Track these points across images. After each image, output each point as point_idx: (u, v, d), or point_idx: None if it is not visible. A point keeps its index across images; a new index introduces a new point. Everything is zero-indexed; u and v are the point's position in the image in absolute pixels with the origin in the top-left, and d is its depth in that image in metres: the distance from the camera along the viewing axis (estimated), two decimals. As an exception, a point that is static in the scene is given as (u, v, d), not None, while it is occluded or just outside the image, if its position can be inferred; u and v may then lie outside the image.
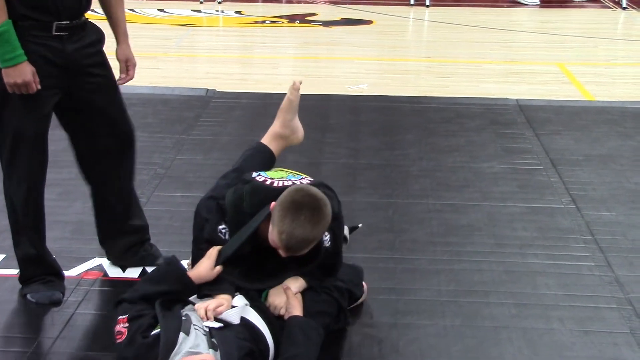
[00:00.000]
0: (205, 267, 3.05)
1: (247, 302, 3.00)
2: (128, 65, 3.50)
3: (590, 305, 3.55)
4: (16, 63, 3.09)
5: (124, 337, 2.80)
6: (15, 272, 3.70)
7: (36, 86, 3.15)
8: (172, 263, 3.07)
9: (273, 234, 2.93)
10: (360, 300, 3.44)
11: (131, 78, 3.53)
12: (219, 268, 3.05)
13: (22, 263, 3.48)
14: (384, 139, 5.62)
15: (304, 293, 3.12)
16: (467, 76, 7.61)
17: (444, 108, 6.34)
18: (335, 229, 3.11)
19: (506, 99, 6.58)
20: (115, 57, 3.50)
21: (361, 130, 5.81)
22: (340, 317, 3.21)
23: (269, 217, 2.98)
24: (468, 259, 3.94)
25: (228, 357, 2.73)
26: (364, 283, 3.48)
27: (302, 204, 2.89)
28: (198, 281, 3.03)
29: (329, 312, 3.13)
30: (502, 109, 6.32)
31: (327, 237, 3.09)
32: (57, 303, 3.38)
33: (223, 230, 3.12)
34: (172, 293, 2.96)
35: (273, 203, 2.97)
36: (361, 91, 6.90)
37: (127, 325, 2.82)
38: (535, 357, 3.19)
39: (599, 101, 6.70)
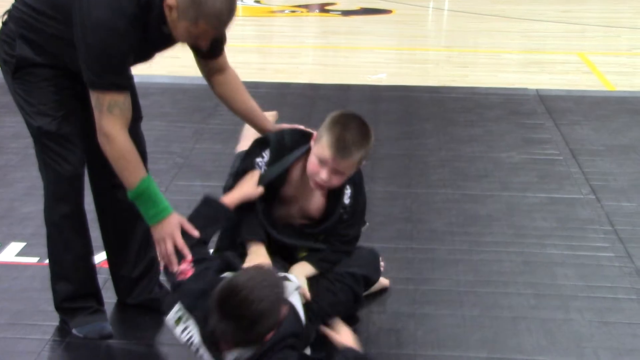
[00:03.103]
0: (249, 185, 3.05)
1: (298, 285, 2.98)
2: None
3: (609, 296, 3.54)
4: (161, 218, 2.86)
5: (189, 274, 2.80)
6: (35, 260, 3.73)
7: (190, 236, 2.90)
8: (212, 204, 3.05)
9: (319, 148, 2.92)
10: (379, 287, 3.43)
11: None
12: (261, 188, 3.05)
13: (65, 294, 3.22)
14: (403, 129, 5.61)
15: (318, 281, 3.11)
16: (486, 66, 7.57)
17: (463, 98, 6.31)
18: (356, 182, 3.12)
19: (526, 88, 6.55)
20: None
21: (380, 120, 5.80)
22: (356, 305, 3.20)
23: (308, 151, 3.01)
24: (487, 249, 3.93)
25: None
26: (382, 263, 3.45)
27: (350, 117, 2.94)
28: (242, 200, 3.03)
29: (343, 301, 3.12)
30: (522, 98, 6.29)
31: (348, 192, 3.11)
32: (109, 337, 3.18)
33: (260, 163, 3.11)
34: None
35: (315, 133, 3.00)
36: (380, 81, 6.89)
37: (192, 265, 2.82)
38: (554, 347, 3.18)
39: (619, 91, 6.65)
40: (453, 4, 10.80)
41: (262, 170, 3.09)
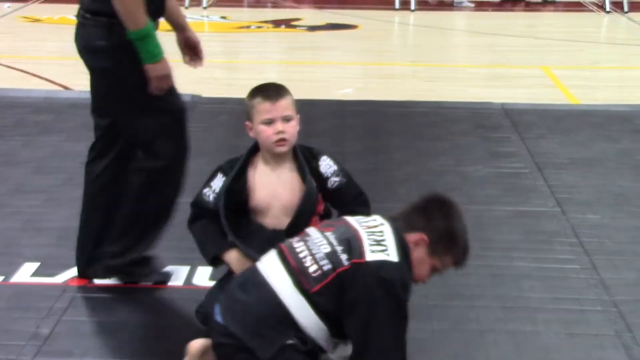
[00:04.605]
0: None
1: None
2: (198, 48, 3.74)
3: (576, 307, 3.57)
4: (161, 57, 3.28)
5: None
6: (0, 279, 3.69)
7: None
8: None
9: (257, 117, 3.14)
10: None
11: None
12: None
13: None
14: (370, 144, 5.63)
15: None
16: (452, 80, 7.63)
17: (429, 112, 6.35)
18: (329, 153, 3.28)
19: (491, 102, 6.60)
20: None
21: (346, 135, 5.82)
22: None
23: (255, 150, 3.23)
24: (454, 262, 3.94)
25: None
26: None
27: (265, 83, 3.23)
28: None
29: None
30: (488, 112, 6.34)
31: (326, 160, 3.24)
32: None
33: (207, 193, 3.24)
34: None
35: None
36: (346, 96, 6.91)
37: None
38: (522, 359, 3.20)
39: (583, 104, 6.73)
40: (419, 19, 10.88)
41: (210, 199, 3.22)
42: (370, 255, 2.69)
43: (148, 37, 3.23)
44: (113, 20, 3.23)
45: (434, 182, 4.94)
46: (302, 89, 6.97)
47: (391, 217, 2.86)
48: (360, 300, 2.66)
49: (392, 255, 2.70)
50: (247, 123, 3.20)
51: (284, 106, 3.13)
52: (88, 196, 3.60)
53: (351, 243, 2.72)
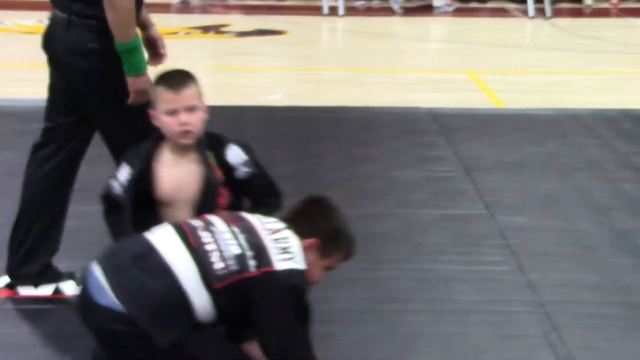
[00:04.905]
0: None
1: None
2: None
3: (504, 309, 3.62)
4: (145, 72, 3.31)
5: None
6: None
7: None
8: None
9: (161, 107, 3.03)
10: None
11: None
12: None
13: None
14: (299, 149, 5.63)
15: None
16: (381, 85, 7.69)
17: (359, 117, 6.39)
18: (239, 142, 3.17)
19: (419, 107, 6.67)
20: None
21: (276, 140, 5.81)
22: None
23: (158, 140, 3.10)
24: (385, 266, 3.97)
25: None
26: None
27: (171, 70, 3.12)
28: None
29: None
30: (416, 117, 6.41)
31: (235, 150, 3.12)
32: None
33: (114, 184, 3.14)
34: None
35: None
36: (275, 102, 6.90)
37: None
38: (452, 362, 3.23)
39: (510, 109, 6.85)
40: (348, 24, 10.94)
41: (117, 189, 3.12)
42: (280, 263, 2.73)
43: (135, 50, 3.27)
44: (103, 24, 3.26)
45: (363, 187, 4.97)
46: (232, 95, 6.96)
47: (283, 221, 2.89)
48: (272, 307, 2.70)
49: (299, 263, 2.76)
50: (151, 111, 3.10)
51: (188, 96, 3.04)
52: (33, 195, 3.54)
53: (260, 250, 2.73)
